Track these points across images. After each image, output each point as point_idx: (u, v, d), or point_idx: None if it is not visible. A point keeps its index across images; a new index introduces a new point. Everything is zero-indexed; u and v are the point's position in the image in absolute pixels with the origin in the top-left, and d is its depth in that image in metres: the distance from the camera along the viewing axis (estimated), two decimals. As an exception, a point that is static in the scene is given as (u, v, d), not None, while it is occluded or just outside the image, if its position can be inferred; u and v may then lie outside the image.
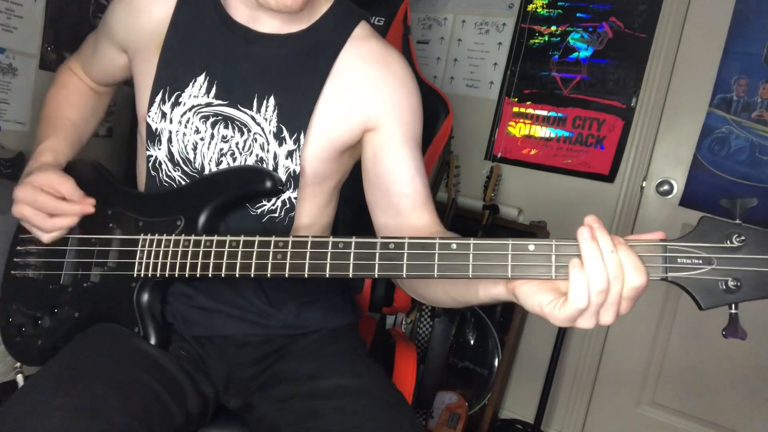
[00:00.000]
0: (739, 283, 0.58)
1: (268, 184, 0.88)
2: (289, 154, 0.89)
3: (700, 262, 0.59)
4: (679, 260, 0.60)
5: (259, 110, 0.89)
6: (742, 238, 0.58)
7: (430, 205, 0.92)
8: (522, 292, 0.64)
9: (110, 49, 1.03)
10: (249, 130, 0.90)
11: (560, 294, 0.61)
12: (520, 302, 0.64)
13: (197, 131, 0.91)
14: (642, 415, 2.22)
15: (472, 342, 2.34)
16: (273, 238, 0.76)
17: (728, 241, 0.59)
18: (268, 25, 0.90)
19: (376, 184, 0.92)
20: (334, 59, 0.91)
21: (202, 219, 0.87)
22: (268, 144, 0.89)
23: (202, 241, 0.81)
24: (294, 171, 0.90)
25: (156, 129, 0.92)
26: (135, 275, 0.86)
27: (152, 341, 0.88)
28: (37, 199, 0.87)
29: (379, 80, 0.91)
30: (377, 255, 0.69)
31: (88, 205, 0.90)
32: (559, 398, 2.34)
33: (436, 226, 0.90)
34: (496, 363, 2.26)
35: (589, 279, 0.58)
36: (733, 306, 0.59)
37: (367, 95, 0.90)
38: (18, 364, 1.01)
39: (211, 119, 0.90)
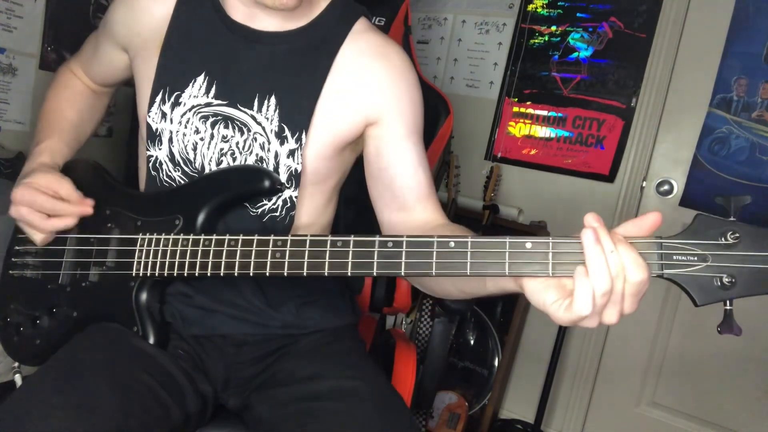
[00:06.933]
0: (733, 280, 0.59)
1: (267, 183, 0.88)
2: (291, 153, 0.89)
3: (695, 259, 0.60)
4: (674, 257, 0.60)
5: (260, 109, 0.89)
6: (737, 235, 0.58)
7: (434, 198, 0.92)
8: (529, 286, 0.64)
9: (111, 49, 1.03)
10: (249, 130, 0.90)
11: (565, 292, 0.61)
12: (527, 296, 0.65)
13: (197, 131, 0.91)
14: (642, 415, 2.22)
15: (472, 342, 2.34)
16: (272, 237, 0.76)
17: (723, 239, 0.59)
18: (266, 23, 0.90)
19: (379, 177, 0.92)
20: (334, 55, 0.91)
21: (200, 218, 0.87)
22: (269, 143, 0.89)
23: (201, 241, 0.81)
24: (295, 170, 0.90)
25: (156, 129, 0.92)
26: (133, 274, 0.86)
27: (151, 340, 0.88)
28: (36, 200, 0.87)
29: (380, 74, 0.91)
30: (375, 253, 0.70)
31: (87, 206, 0.90)
32: (559, 398, 2.34)
33: (441, 219, 0.90)
34: (496, 363, 2.26)
35: (594, 285, 0.58)
36: (727, 302, 0.60)
37: (367, 89, 0.90)
38: (16, 364, 1.01)
39: (211, 119, 0.90)
